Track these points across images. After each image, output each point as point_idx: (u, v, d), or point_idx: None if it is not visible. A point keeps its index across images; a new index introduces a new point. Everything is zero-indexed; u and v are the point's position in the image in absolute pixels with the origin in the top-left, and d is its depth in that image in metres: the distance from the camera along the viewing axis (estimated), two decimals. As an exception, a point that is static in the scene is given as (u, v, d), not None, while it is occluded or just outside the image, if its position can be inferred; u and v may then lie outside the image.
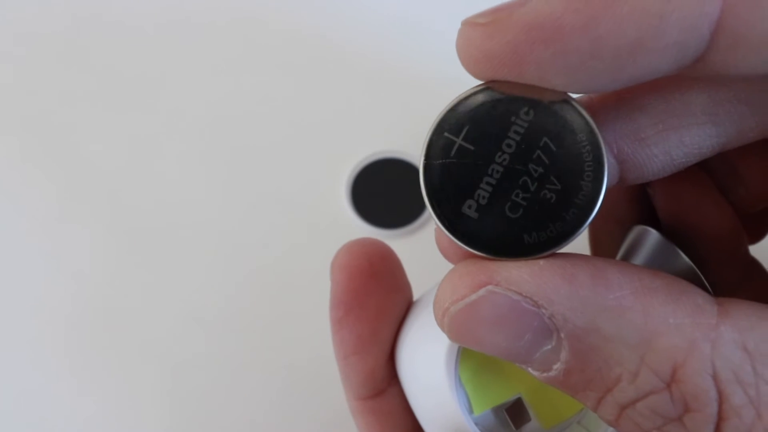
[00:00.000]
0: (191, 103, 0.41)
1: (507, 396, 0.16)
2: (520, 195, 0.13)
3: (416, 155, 0.40)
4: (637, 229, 0.18)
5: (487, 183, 0.13)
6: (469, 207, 0.13)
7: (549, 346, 0.13)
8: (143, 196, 0.40)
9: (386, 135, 0.41)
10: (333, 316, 0.17)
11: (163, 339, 0.37)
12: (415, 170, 0.41)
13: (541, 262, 0.13)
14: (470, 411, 0.16)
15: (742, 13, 0.11)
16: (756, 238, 0.21)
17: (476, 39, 0.12)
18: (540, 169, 0.13)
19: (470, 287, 0.13)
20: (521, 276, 0.12)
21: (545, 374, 0.13)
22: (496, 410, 0.16)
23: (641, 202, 0.20)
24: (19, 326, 0.38)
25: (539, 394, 0.16)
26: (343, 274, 0.17)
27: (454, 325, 0.13)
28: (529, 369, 0.13)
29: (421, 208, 0.40)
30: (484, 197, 0.13)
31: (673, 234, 0.18)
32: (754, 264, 0.20)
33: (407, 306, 0.18)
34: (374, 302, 0.17)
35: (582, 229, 0.13)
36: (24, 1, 0.42)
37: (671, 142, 0.14)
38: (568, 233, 0.13)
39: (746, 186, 0.18)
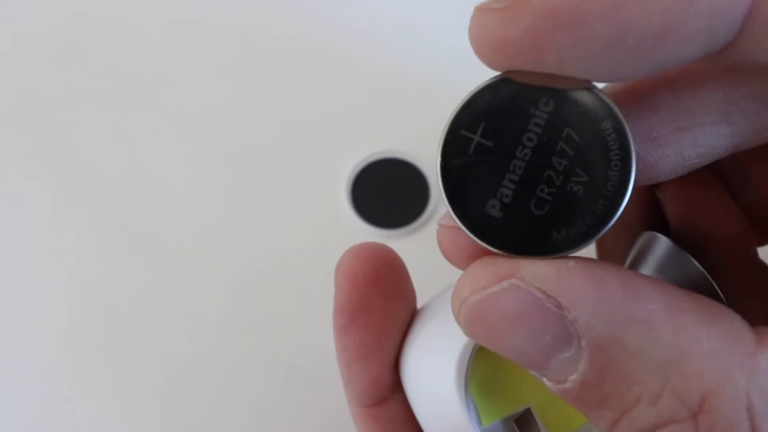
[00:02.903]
0: (192, 104, 0.41)
1: (516, 407, 0.16)
2: (546, 190, 0.12)
3: (416, 155, 0.40)
4: (646, 235, 0.18)
5: (510, 180, 0.12)
6: (493, 207, 0.12)
7: (568, 354, 0.12)
8: (143, 197, 0.39)
9: (386, 135, 0.41)
10: (337, 323, 0.17)
11: (163, 340, 0.37)
12: (416, 170, 0.41)
13: (571, 262, 0.12)
14: (479, 422, 0.16)
15: None
16: (765, 241, 0.21)
17: (491, 25, 0.11)
18: (564, 162, 0.12)
19: (492, 278, 0.12)
20: (547, 274, 0.12)
21: (559, 386, 0.12)
22: (505, 421, 0.16)
23: (649, 206, 0.19)
24: (18, 326, 0.37)
25: (549, 406, 0.16)
26: (347, 281, 0.17)
27: (471, 317, 0.12)
28: (543, 378, 0.12)
29: (421, 208, 0.39)
30: (507, 195, 0.12)
31: (682, 237, 0.18)
32: (763, 267, 0.20)
33: (412, 313, 0.18)
34: (379, 309, 0.17)
35: (613, 220, 0.12)
36: (24, 1, 0.42)
37: (684, 141, 0.14)
38: (598, 226, 0.12)
39: (757, 190, 0.18)
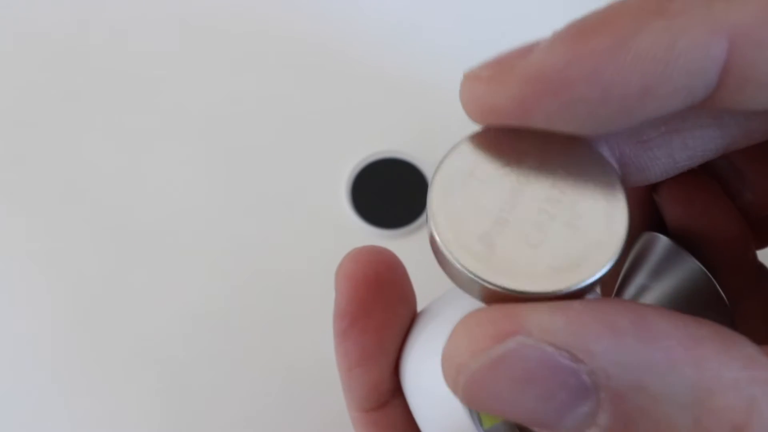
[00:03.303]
0: (192, 104, 0.41)
1: None
2: (541, 229, 0.12)
3: (416, 155, 0.40)
4: (646, 236, 0.18)
5: (502, 219, 0.12)
6: (487, 244, 0.12)
7: (585, 409, 0.11)
8: (142, 197, 0.39)
9: (386, 135, 0.41)
10: (337, 327, 0.17)
11: (162, 341, 0.37)
12: (416, 170, 0.41)
13: (576, 304, 0.11)
14: (480, 424, 0.16)
15: (749, 54, 0.11)
16: (764, 243, 0.21)
17: (480, 94, 0.12)
18: (559, 200, 0.12)
19: (494, 337, 0.11)
20: (555, 323, 0.11)
21: None
22: (507, 423, 0.16)
23: (647, 208, 0.19)
24: (18, 326, 0.37)
25: None
26: (348, 284, 0.16)
27: (472, 385, 0.11)
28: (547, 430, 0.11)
29: (421, 208, 0.40)
30: (501, 233, 0.12)
31: (680, 240, 0.18)
32: (762, 269, 0.20)
33: (412, 316, 0.18)
34: (380, 313, 0.17)
35: (613, 262, 0.12)
36: (24, 1, 0.42)
37: (674, 144, 0.14)
38: (598, 265, 0.12)
39: (754, 191, 0.18)
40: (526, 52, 0.12)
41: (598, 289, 0.14)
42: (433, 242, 0.13)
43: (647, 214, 0.19)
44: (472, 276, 0.12)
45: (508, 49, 0.12)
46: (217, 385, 0.37)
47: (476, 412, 0.16)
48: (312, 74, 0.42)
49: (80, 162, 0.40)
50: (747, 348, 0.11)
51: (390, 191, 0.40)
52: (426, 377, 0.17)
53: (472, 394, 0.11)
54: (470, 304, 0.16)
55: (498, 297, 0.12)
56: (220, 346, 0.37)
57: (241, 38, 0.42)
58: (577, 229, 0.12)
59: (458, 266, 0.12)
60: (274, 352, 0.37)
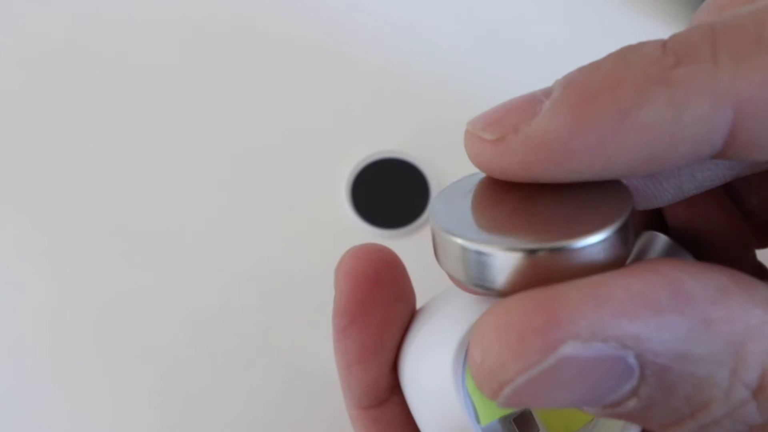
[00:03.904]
0: (192, 104, 0.41)
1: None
2: (547, 215, 0.13)
3: (416, 155, 0.40)
4: (646, 235, 0.18)
5: (507, 211, 0.13)
6: (492, 225, 0.12)
7: (629, 387, 0.11)
8: (143, 198, 0.39)
9: (386, 135, 0.41)
10: (336, 325, 0.17)
11: (162, 341, 0.37)
12: (416, 170, 0.41)
13: (617, 291, 0.10)
14: (477, 421, 0.16)
15: (755, 124, 0.11)
16: (764, 243, 0.21)
17: (486, 156, 0.12)
18: (566, 204, 0.13)
19: (543, 351, 0.10)
20: (602, 318, 0.10)
21: (611, 410, 0.11)
22: (504, 420, 0.16)
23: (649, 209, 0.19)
24: (18, 326, 0.37)
25: None
26: (347, 282, 0.16)
27: (520, 396, 0.11)
28: (586, 408, 0.11)
29: (421, 208, 0.40)
30: (506, 219, 0.13)
31: (680, 239, 0.18)
32: (761, 269, 0.20)
33: (411, 314, 0.18)
34: (379, 311, 0.17)
35: (628, 213, 0.12)
36: (25, 1, 0.42)
37: (683, 176, 0.14)
38: (616, 215, 0.12)
39: (759, 195, 0.18)
40: (529, 111, 0.12)
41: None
42: (435, 233, 0.13)
43: (648, 213, 0.19)
44: (477, 245, 0.11)
45: (509, 103, 0.12)
46: (218, 384, 0.37)
47: (474, 410, 0.16)
48: (312, 75, 0.42)
49: (80, 164, 0.40)
50: (764, 289, 0.11)
51: (390, 191, 0.40)
52: (424, 375, 0.17)
53: (515, 402, 0.11)
54: (469, 301, 0.16)
55: (513, 277, 0.11)
56: (221, 345, 0.37)
57: (242, 39, 0.42)
58: (584, 210, 0.12)
59: (460, 241, 0.12)
60: (275, 351, 0.37)
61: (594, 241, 0.11)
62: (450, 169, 0.40)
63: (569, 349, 0.10)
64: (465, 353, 0.16)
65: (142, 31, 0.42)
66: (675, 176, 0.14)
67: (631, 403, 0.11)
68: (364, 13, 0.43)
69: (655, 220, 0.19)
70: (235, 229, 0.39)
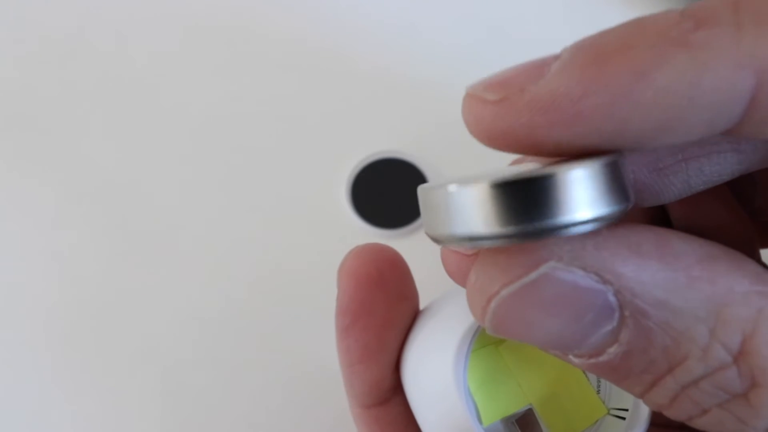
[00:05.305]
0: (192, 105, 0.41)
1: (517, 406, 0.16)
2: None
3: (416, 155, 0.40)
4: None
5: None
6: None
7: (609, 327, 0.11)
8: (143, 199, 0.39)
9: (386, 135, 0.41)
10: (339, 324, 0.17)
11: (162, 341, 0.37)
12: (416, 170, 0.40)
13: (602, 231, 0.11)
14: (479, 422, 0.15)
15: None
16: (767, 243, 0.21)
17: (486, 118, 0.11)
18: None
19: (527, 266, 0.11)
20: (584, 248, 0.11)
21: (592, 360, 0.12)
22: (506, 421, 0.16)
23: (653, 206, 0.19)
24: (18, 326, 0.37)
25: (551, 405, 0.16)
26: (350, 282, 0.16)
27: (505, 312, 0.11)
28: (571, 357, 0.12)
29: (422, 208, 0.39)
30: None
31: None
32: (766, 269, 0.20)
33: (414, 314, 0.17)
34: (382, 310, 0.17)
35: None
36: (26, 2, 0.42)
37: (691, 170, 0.14)
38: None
39: (765, 196, 0.18)
40: (536, 73, 0.11)
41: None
42: (421, 193, 0.12)
43: (653, 212, 0.19)
44: (466, 184, 0.11)
45: (515, 67, 0.12)
46: (218, 384, 0.37)
47: (476, 410, 0.16)
48: (312, 74, 0.42)
49: (81, 164, 0.39)
50: (755, 267, 0.12)
51: (390, 191, 0.40)
52: (426, 375, 0.17)
53: (503, 321, 0.11)
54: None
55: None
56: (221, 346, 0.37)
57: (241, 38, 0.42)
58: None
59: (451, 187, 0.11)
60: (275, 351, 0.37)
61: (580, 174, 0.11)
62: (450, 169, 0.40)
63: (550, 268, 0.11)
64: (466, 354, 0.15)
65: (142, 30, 0.42)
66: (683, 170, 0.13)
67: (612, 350, 0.11)
68: (364, 13, 0.43)
69: (660, 219, 0.19)
70: (235, 229, 0.39)
